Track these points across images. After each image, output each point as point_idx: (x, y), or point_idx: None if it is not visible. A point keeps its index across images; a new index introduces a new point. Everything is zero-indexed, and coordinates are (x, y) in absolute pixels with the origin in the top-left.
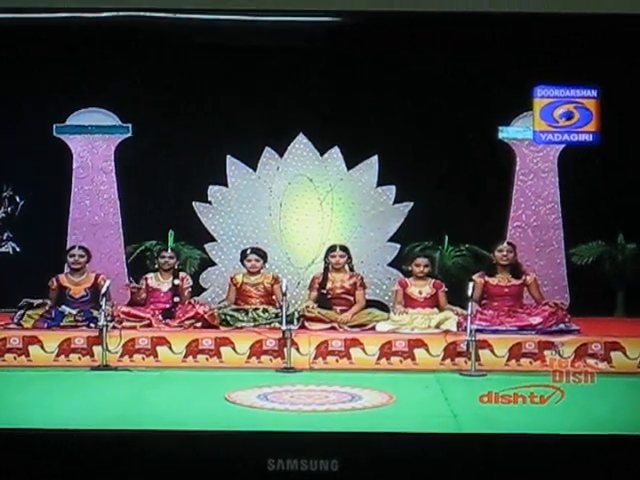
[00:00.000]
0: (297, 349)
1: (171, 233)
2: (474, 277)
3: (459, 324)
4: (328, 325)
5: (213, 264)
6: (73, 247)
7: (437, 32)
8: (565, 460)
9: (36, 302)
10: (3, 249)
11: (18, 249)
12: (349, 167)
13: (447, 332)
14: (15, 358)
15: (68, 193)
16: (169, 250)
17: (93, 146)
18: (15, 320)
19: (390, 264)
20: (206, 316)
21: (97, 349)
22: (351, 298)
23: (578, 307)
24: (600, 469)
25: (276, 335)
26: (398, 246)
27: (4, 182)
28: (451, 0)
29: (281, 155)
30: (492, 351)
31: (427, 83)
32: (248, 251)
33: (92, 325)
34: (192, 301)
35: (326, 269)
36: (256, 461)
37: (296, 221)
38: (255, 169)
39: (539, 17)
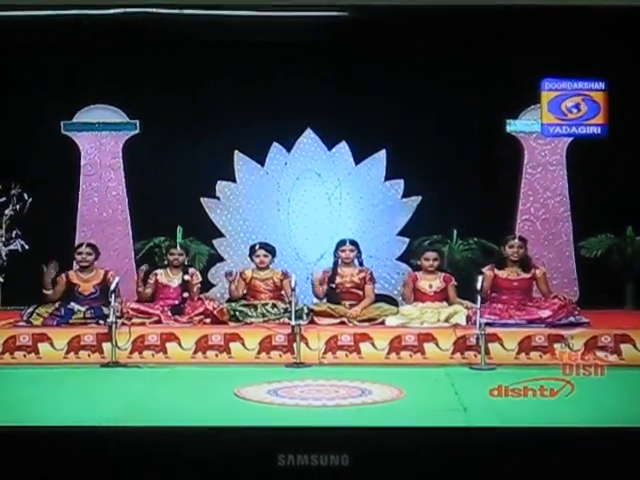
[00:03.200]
0: (306, 344)
1: (180, 229)
2: (484, 270)
3: (469, 318)
4: (337, 320)
5: (222, 260)
6: (81, 245)
7: (445, 25)
8: (575, 453)
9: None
10: (12, 247)
11: (27, 247)
12: (357, 161)
13: (457, 326)
14: (25, 356)
15: (76, 190)
16: (178, 247)
17: (101, 143)
18: (24, 318)
19: (399, 258)
20: (215, 312)
21: (107, 346)
22: (360, 292)
23: (587, 300)
24: (610, 462)
25: (285, 330)
26: (407, 240)
27: (12, 180)
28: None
29: (289, 150)
30: (502, 344)
31: (435, 77)
32: (257, 246)
33: (101, 322)
34: (201, 297)
35: (335, 264)
36: (266, 456)
37: (304, 216)
38: (263, 164)
39: (546, 9)
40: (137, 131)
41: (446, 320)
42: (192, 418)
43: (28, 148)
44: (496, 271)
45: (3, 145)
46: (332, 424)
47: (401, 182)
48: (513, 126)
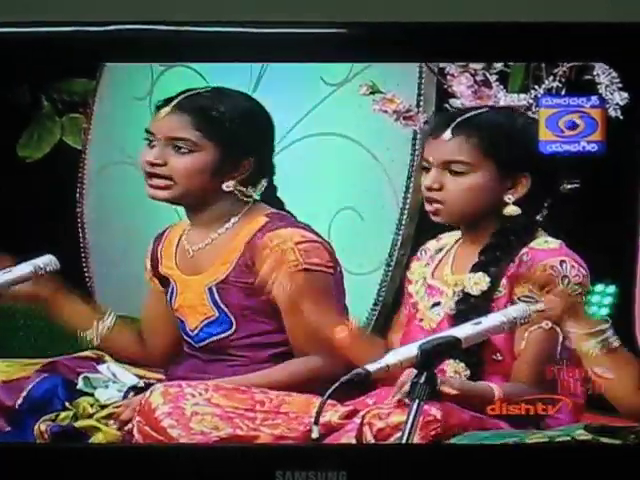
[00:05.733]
0: None
1: None
2: None
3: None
4: None
5: None
6: None
7: (441, 42)
8: (573, 468)
9: None
10: None
11: None
12: None
13: None
14: None
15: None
16: None
17: None
18: None
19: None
20: None
21: None
22: None
23: None
24: (610, 476)
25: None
26: None
27: None
28: (454, 10)
29: None
30: None
31: None
32: None
33: None
34: None
35: None
36: (265, 473)
37: None
38: None
39: (543, 26)
40: None
41: None
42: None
43: None
44: None
45: None
46: (330, 441)
47: None
48: None
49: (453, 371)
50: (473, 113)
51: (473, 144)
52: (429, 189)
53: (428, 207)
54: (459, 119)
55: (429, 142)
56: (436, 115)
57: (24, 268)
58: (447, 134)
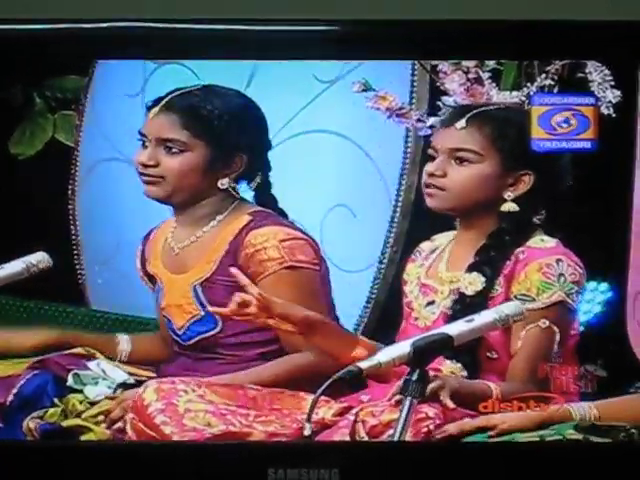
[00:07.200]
0: None
1: None
2: None
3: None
4: None
5: None
6: None
7: (434, 40)
8: (566, 467)
9: None
10: None
11: None
12: None
13: None
14: None
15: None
16: None
17: None
18: None
19: None
20: None
21: None
22: None
23: None
24: (603, 476)
25: None
26: None
27: None
28: (447, 7)
29: None
30: None
31: None
32: None
33: None
34: None
35: None
36: (257, 471)
37: None
38: None
39: (536, 24)
40: None
41: None
42: None
43: None
44: None
45: None
46: (323, 438)
47: None
48: None
49: (449, 372)
50: (490, 107)
51: (484, 134)
52: (431, 175)
53: (426, 190)
54: (475, 110)
55: (439, 132)
56: (451, 108)
57: (16, 265)
58: (461, 123)
